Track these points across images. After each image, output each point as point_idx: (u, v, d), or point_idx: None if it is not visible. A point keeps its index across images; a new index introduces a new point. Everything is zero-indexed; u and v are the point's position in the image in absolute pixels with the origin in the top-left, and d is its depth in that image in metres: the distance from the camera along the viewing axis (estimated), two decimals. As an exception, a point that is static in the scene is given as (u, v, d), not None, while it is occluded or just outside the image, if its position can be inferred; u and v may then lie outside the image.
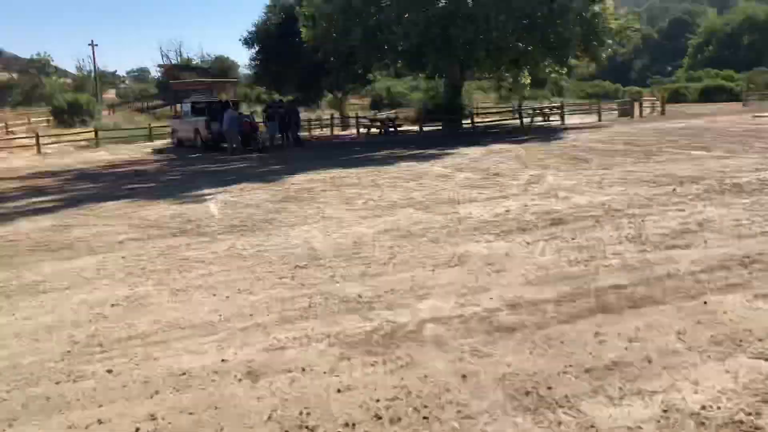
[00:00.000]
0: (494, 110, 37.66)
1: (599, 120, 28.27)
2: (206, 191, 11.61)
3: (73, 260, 6.64)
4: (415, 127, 28.28)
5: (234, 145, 20.89)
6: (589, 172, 10.98)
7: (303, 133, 26.52)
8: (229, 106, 22.95)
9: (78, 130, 32.65)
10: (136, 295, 5.26)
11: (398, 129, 28.36)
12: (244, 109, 28.95)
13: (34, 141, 27.27)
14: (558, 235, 6.51)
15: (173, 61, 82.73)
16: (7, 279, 6.01)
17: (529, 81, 31.08)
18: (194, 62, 76.71)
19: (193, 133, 23.58)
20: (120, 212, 9.67)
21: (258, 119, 24.44)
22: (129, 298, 5.18)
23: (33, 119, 39.80)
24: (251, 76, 34.75)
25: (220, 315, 4.63)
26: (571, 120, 29.29)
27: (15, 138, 31.38)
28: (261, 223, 8.09)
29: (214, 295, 5.13)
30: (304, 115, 29.50)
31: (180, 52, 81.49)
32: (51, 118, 41.18)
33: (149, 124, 31.59)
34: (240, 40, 31.58)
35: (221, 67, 56.61)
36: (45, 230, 8.47)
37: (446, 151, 16.65)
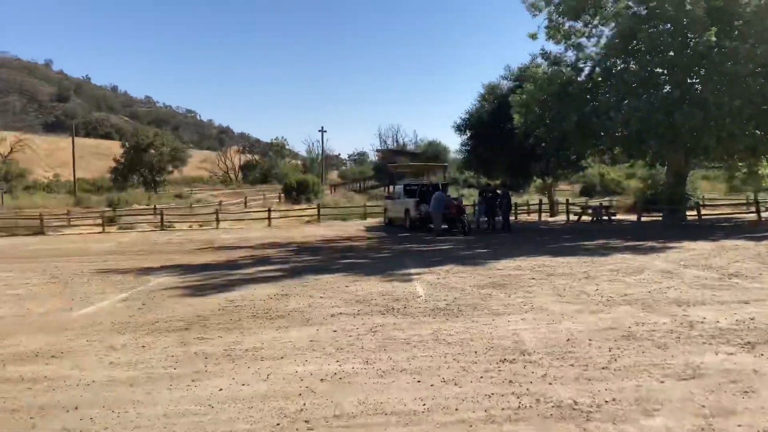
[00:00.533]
0: (724, 202, 34.24)
1: None
2: (412, 270, 11.78)
3: (289, 330, 6.98)
4: (632, 217, 26.58)
5: (440, 227, 21.27)
6: None
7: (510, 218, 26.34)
8: (438, 189, 23.64)
9: (304, 206, 35.87)
10: (344, 371, 5.30)
11: (612, 217, 26.89)
12: (452, 191, 29.67)
13: (266, 215, 30.40)
14: (822, 355, 5.41)
15: (389, 146, 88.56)
16: (233, 343, 6.47)
17: (767, 171, 27.84)
18: (408, 147, 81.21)
19: (404, 213, 24.53)
20: (333, 286, 10.12)
21: (467, 202, 24.78)
22: (337, 374, 5.24)
23: (267, 195, 44.82)
24: (461, 160, 35.58)
25: (425, 404, 4.45)
26: (822, 216, 25.43)
27: (251, 211, 35.31)
28: (466, 308, 7.89)
29: (419, 381, 4.98)
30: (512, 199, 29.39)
31: (396, 137, 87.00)
32: (282, 194, 45.89)
33: (364, 204, 33.62)
34: (452, 126, 32.72)
35: (433, 152, 59.00)
36: (267, 298, 9.11)
37: (668, 245, 15.24)
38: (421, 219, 23.08)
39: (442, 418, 4.17)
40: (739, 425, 3.95)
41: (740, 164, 27.37)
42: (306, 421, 4.21)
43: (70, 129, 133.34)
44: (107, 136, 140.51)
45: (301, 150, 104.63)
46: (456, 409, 4.33)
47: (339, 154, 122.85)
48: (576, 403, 4.39)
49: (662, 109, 21.58)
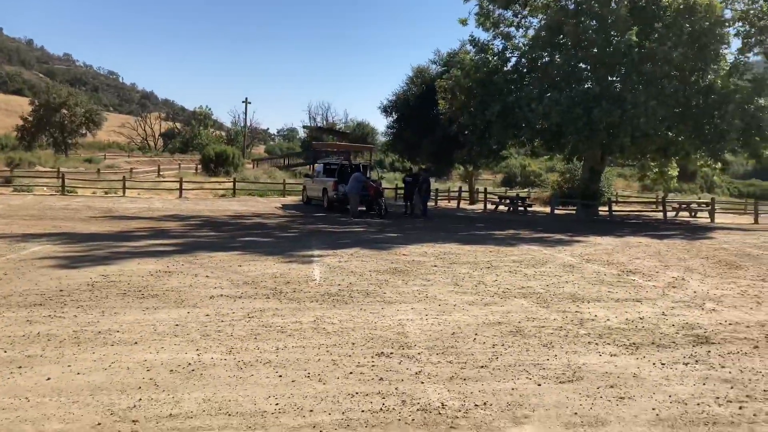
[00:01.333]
0: (635, 200, 35.50)
1: (756, 222, 25.44)
2: (316, 252, 11.26)
3: (157, 311, 6.32)
4: (548, 209, 27.01)
5: (356, 209, 20.84)
6: (744, 283, 9.38)
7: (430, 204, 26.12)
8: (359, 170, 23.16)
9: (220, 179, 34.57)
10: (200, 362, 4.74)
11: (528, 209, 27.26)
12: (375, 174, 29.25)
13: (178, 186, 29.06)
14: (703, 359, 5.27)
15: (319, 124, 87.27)
16: (87, 323, 5.76)
17: (676, 173, 28.94)
18: (338, 126, 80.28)
19: (322, 192, 23.93)
20: (226, 265, 9.47)
21: (389, 185, 24.42)
22: (191, 365, 4.67)
23: (183, 166, 43.01)
24: (386, 142, 35.20)
25: (278, 404, 3.95)
26: (721, 219, 26.65)
27: (163, 181, 33.73)
28: (358, 295, 7.45)
29: (281, 376, 4.49)
30: (433, 185, 29.27)
31: (326, 115, 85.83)
32: (199, 166, 44.17)
33: (284, 180, 32.72)
34: (378, 107, 32.29)
35: (361, 133, 58.38)
36: (147, 275, 8.37)
37: (576, 238, 15.37)
38: (338, 200, 22.53)
39: (292, 421, 3.69)
40: (608, 437, 3.67)
41: (652, 164, 28.29)
42: (134, 421, 3.63)
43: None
44: (19, 92, 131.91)
45: (227, 122, 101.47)
46: (311, 411, 3.85)
47: (267, 129, 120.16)
48: (444, 406, 4.00)
49: (582, 104, 21.85)
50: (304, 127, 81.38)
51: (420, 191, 21.53)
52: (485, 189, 30.80)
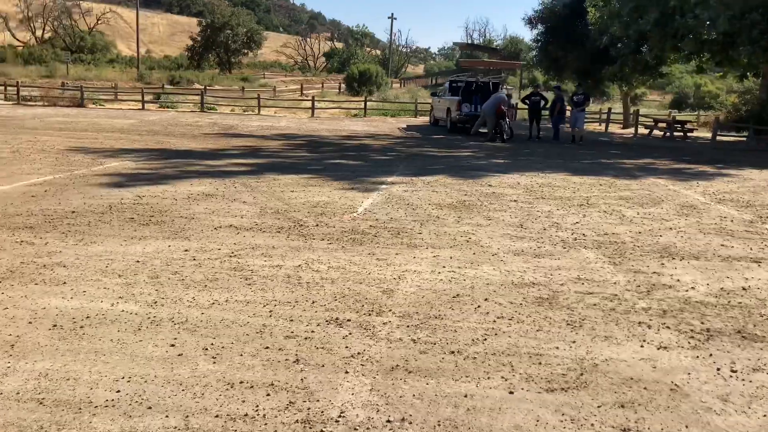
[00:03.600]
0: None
1: None
2: (391, 179, 10.08)
3: (137, 243, 5.61)
4: (718, 136, 23.14)
5: (477, 129, 19.15)
6: None
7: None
8: (490, 88, 21.19)
9: (359, 98, 34.00)
10: (101, 316, 3.90)
11: (687, 134, 23.62)
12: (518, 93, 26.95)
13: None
14: (808, 369, 3.49)
15: (475, 41, 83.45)
16: (44, 253, 5.17)
17: None
18: (496, 43, 76.15)
19: (446, 112, 22.35)
20: (278, 190, 8.63)
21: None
22: (88, 319, 3.83)
23: (327, 85, 43.03)
24: (531, 59, 32.24)
25: (118, 393, 2.98)
26: None
27: (303, 100, 33.86)
28: (386, 235, 6.24)
29: (173, 346, 3.51)
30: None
31: (484, 32, 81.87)
32: (342, 85, 43.99)
33: (415, 100, 31.35)
34: (523, 18, 29.38)
35: (514, 49, 54.76)
36: (183, 198, 7.77)
37: (725, 171, 12.67)
38: (462, 121, 20.84)
39: (108, 425, 2.69)
40: None
41: None
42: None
43: (163, 4, 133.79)
44: (200, 15, 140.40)
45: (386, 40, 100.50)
46: (148, 409, 2.83)
47: (428, 48, 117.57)
48: (340, 418, 2.79)
49: (761, 8, 17.90)
50: (454, 44, 78.35)
51: (552, 112, 19.19)
52: (636, 111, 27.15)
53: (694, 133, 24.30)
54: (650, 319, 4.16)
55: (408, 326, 3.89)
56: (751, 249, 6.17)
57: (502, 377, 3.24)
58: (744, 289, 4.89)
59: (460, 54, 68.94)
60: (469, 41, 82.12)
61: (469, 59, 54.71)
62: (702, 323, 4.13)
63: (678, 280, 5.05)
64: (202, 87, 36.15)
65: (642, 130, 25.32)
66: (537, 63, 31.18)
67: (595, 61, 26.57)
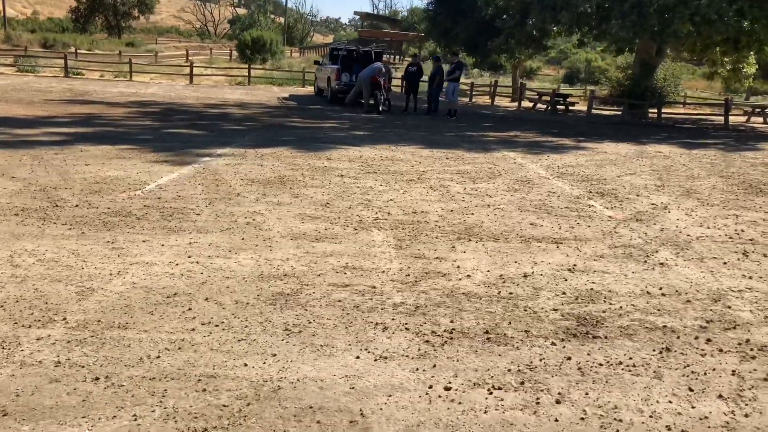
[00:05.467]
0: (699, 101, 31.15)
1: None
2: (223, 151, 9.10)
3: None
4: (601, 110, 23.37)
5: (353, 98, 18.38)
6: (750, 217, 6.62)
7: (463, 99, 23.00)
8: (371, 57, 20.35)
9: (243, 66, 32.37)
10: None
11: (568, 108, 23.82)
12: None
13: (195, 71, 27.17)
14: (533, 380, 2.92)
15: (382, 12, 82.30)
16: None
17: (754, 69, 24.45)
18: (401, 15, 75.29)
19: (326, 81, 21.40)
20: (72, 163, 7.49)
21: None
22: None
23: (216, 51, 40.87)
24: (422, 29, 31.65)
25: None
26: (803, 127, 22.47)
27: (183, 66, 31.90)
28: (155, 217, 5.32)
29: None
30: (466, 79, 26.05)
31: (391, 3, 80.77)
32: (234, 51, 41.95)
33: (303, 69, 30.18)
34: (413, -14, 28.63)
35: (414, 20, 54.18)
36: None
37: (583, 144, 12.52)
38: (342, 91, 19.94)
39: None
40: None
41: (725, 59, 23.96)
42: None
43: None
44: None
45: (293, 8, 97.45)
46: None
47: (339, 18, 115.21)
48: None
49: (631, -19, 17.97)
50: (355, 13, 77.15)
51: (431, 84, 18.61)
52: (521, 84, 27.18)
53: (576, 107, 24.56)
54: (393, 319, 3.51)
55: (69, 341, 3.04)
56: (559, 228, 5.71)
57: (134, 416, 2.46)
58: (525, 276, 4.36)
59: (362, 24, 67.64)
60: (376, 11, 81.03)
61: (370, 29, 53.77)
62: (451, 321, 3.52)
63: (458, 267, 4.46)
64: (73, 51, 33.29)
65: (526, 104, 25.38)
66: (427, 34, 30.68)
67: (482, 33, 26.37)
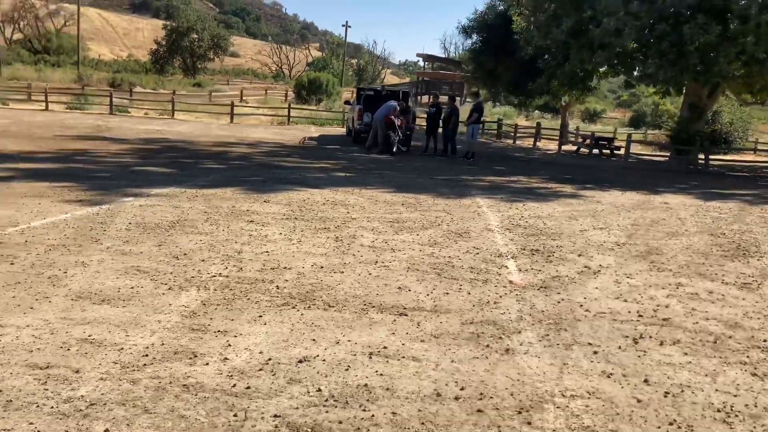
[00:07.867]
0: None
1: None
2: (158, 191, 8.59)
3: None
4: (657, 156, 21.70)
5: (373, 140, 17.74)
6: (702, 287, 5.33)
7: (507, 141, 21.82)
8: (397, 97, 19.76)
9: (277, 106, 32.58)
10: None
11: (613, 153, 22.28)
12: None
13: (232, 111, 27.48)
14: None
15: (450, 54, 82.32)
16: None
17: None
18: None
19: (351, 122, 20.97)
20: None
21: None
22: None
23: (272, 92, 41.58)
24: (467, 70, 30.85)
25: None
26: None
27: (234, 106, 32.43)
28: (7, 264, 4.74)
29: None
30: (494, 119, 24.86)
31: (463, 45, 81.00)
32: (290, 92, 42.61)
33: (343, 110, 29.98)
34: (457, 27, 28.25)
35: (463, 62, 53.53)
36: None
37: (581, 192, 11.23)
38: (364, 131, 19.38)
39: None
40: None
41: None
42: None
43: (151, 10, 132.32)
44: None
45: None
46: None
47: (417, 61, 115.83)
48: None
49: (670, 19, 16.62)
50: (417, 55, 77.57)
51: (447, 125, 17.74)
52: (561, 127, 25.80)
53: (620, 151, 22.96)
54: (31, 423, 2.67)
55: None
56: (428, 295, 4.70)
57: None
58: (300, 361, 3.42)
59: (425, 66, 67.67)
60: (446, 55, 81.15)
61: (431, 72, 53.70)
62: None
63: (228, 345, 3.57)
64: (128, 90, 34.64)
65: (569, 147, 24.01)
66: (472, 75, 29.84)
67: (525, 74, 25.31)
